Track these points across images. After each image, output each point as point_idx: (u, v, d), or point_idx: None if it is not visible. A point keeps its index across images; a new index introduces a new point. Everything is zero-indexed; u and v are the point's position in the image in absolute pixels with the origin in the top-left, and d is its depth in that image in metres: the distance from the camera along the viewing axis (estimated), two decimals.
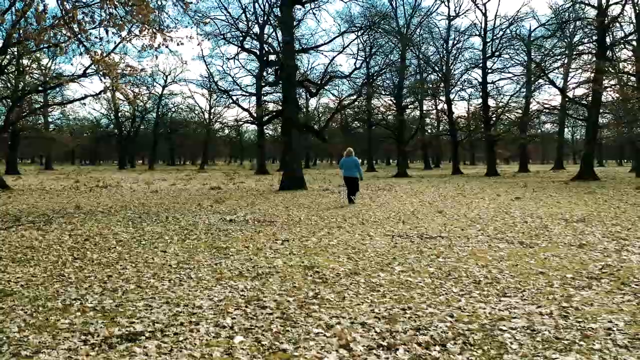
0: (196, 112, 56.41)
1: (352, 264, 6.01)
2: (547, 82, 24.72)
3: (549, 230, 8.46)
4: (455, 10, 46.99)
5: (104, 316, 4.04)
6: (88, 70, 19.17)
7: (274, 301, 4.43)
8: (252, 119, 19.12)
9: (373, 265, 5.89)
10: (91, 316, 4.04)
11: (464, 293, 4.68)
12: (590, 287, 4.84)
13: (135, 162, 63.14)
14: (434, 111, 48.47)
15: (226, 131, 58.66)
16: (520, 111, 36.92)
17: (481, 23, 33.60)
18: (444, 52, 37.05)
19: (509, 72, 34.67)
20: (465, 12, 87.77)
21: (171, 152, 71.39)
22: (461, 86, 37.78)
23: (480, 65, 33.74)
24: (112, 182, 26.68)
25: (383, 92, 34.60)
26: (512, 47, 32.90)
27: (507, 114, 34.56)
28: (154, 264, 6.05)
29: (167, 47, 8.85)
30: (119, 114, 58.56)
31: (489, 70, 33.32)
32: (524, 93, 33.67)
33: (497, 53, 33.10)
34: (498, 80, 34.45)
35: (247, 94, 34.54)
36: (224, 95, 18.66)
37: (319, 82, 18.31)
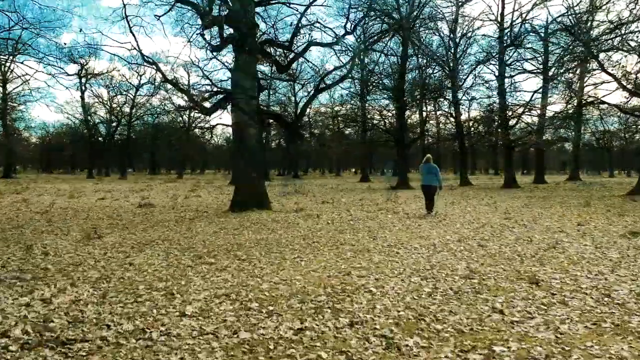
0: (174, 115, 49.67)
1: None
2: (597, 68, 18.57)
3: None
4: None
5: None
6: None
7: None
8: (192, 104, 12.74)
9: None
10: None
11: None
12: None
13: (110, 171, 56.14)
14: (439, 112, 42.07)
15: (205, 135, 51.82)
16: (538, 111, 30.60)
17: (498, 4, 27.29)
18: (451, 43, 30.78)
19: (531, 64, 28.27)
20: None
21: (152, 160, 64.59)
22: (472, 82, 31.44)
23: (497, 56, 27.42)
24: (39, 192, 20.11)
25: (381, 88, 28.20)
26: (536, 33, 26.49)
27: (527, 114, 28.11)
28: None
29: None
30: (93, 118, 52.04)
31: (508, 60, 26.93)
32: (552, 90, 27.36)
33: (516, 42, 26.75)
34: (516, 74, 28.06)
35: (196, 66, 27.86)
36: (153, 67, 12.46)
37: (287, 43, 11.77)
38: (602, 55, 20.43)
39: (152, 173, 68.70)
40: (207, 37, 12.33)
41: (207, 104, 15.07)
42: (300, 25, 11.60)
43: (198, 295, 4.37)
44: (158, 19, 12.50)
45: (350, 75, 15.96)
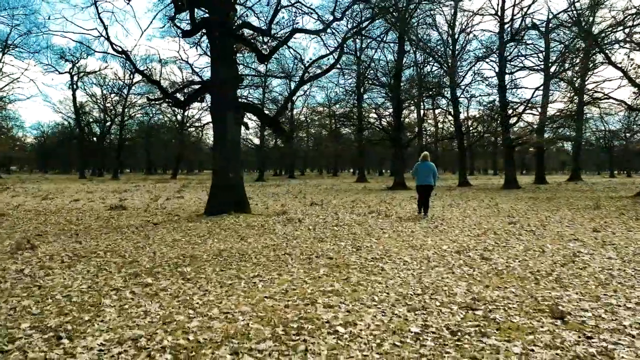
0: (168, 115, 48.37)
1: None
2: (605, 61, 17.27)
3: None
4: None
5: None
6: None
7: None
8: (164, 96, 11.51)
9: None
10: None
11: None
12: None
13: (104, 171, 54.69)
14: (437, 111, 40.79)
15: (198, 133, 50.44)
16: (539, 109, 29.32)
17: None
18: (449, 39, 29.54)
19: (531, 61, 27.03)
20: None
21: (148, 160, 63.27)
22: (471, 79, 30.15)
23: (497, 52, 26.16)
24: (15, 193, 18.86)
25: (377, 84, 26.93)
26: (537, 29, 25.29)
27: (528, 112, 26.81)
28: None
29: None
30: (87, 117, 50.70)
31: (508, 57, 25.68)
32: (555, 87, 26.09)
33: (517, 37, 25.51)
34: (517, 70, 26.80)
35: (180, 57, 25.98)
36: (122, 57, 10.96)
37: (266, 27, 10.41)
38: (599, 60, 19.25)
39: (148, 173, 67.49)
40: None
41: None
42: (279, 6, 10.33)
43: (94, 341, 3.11)
44: (128, 3, 11.26)
45: (339, 65, 14.66)
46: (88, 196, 18.67)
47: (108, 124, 50.60)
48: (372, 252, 6.32)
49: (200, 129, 41.32)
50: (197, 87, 11.21)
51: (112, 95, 48.54)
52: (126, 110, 47.08)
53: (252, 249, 6.62)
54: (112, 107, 49.95)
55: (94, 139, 51.93)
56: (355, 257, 5.98)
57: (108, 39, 11.48)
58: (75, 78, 44.44)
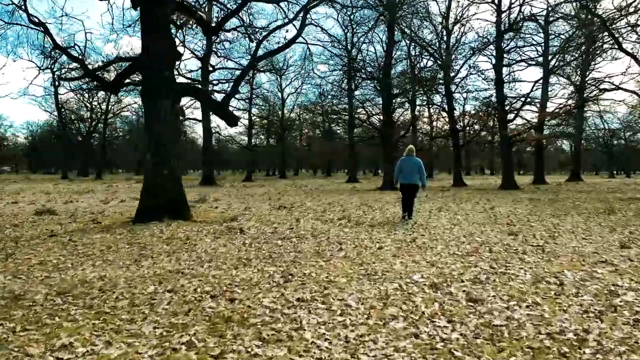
0: None
1: None
2: (614, 46, 15.14)
3: None
4: None
5: None
6: None
7: None
8: (84, 75, 9.39)
9: None
10: None
11: None
12: None
13: (93, 171, 52.39)
14: (432, 108, 38.63)
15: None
16: (538, 105, 27.09)
17: None
18: (443, 31, 27.35)
19: (528, 55, 24.84)
20: None
21: (137, 159, 60.95)
22: (467, 72, 27.97)
23: (493, 43, 23.93)
24: None
25: (364, 77, 24.69)
26: (535, 21, 23.07)
27: (527, 109, 24.59)
28: None
29: None
30: (72, 115, 48.47)
31: (506, 49, 23.46)
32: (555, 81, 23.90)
33: (515, 27, 23.30)
34: (514, 63, 24.58)
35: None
36: (40, 29, 8.84)
37: None
38: (606, 46, 17.05)
39: (138, 173, 65.20)
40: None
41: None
42: None
43: None
44: None
45: (305, 41, 12.46)
46: (42, 197, 16.47)
47: (94, 122, 48.39)
48: (304, 287, 4.12)
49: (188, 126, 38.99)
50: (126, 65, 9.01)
51: (100, 93, 46.20)
52: (110, 107, 44.88)
53: (132, 279, 4.42)
54: (97, 105, 47.75)
55: (79, 137, 49.68)
56: (271, 299, 3.76)
57: (25, 8, 9.29)
58: (57, 74, 42.11)
